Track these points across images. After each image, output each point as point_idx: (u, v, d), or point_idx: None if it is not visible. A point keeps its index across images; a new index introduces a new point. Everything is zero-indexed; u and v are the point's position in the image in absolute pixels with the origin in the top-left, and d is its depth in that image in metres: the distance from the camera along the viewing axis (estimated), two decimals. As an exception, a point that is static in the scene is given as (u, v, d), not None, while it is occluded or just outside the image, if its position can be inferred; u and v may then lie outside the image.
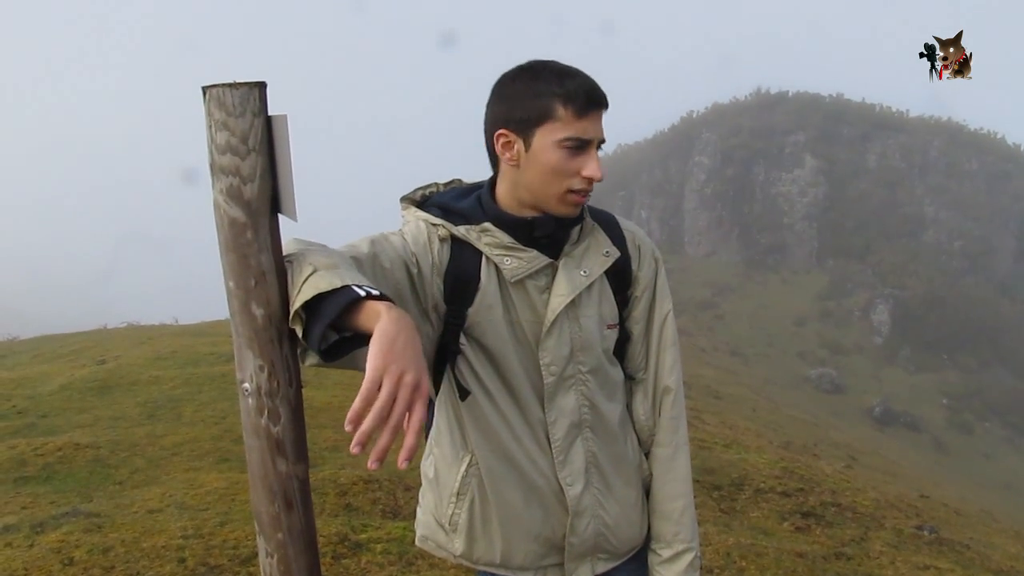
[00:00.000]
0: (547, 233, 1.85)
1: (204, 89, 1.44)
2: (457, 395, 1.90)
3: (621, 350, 2.03)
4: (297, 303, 1.43)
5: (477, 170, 2.00)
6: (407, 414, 1.31)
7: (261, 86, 1.45)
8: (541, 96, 1.75)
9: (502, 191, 1.87)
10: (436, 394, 1.98)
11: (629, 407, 2.07)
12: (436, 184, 2.00)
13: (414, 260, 1.80)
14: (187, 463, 6.44)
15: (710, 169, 55.35)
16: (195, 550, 4.50)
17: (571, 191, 1.80)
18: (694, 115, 62.47)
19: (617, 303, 1.98)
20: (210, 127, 1.45)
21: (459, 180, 2.02)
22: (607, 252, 1.93)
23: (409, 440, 1.30)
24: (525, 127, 1.77)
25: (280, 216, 1.52)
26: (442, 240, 1.85)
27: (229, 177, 1.45)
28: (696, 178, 55.46)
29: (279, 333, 1.50)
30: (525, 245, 1.85)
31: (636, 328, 2.03)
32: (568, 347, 1.90)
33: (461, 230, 1.85)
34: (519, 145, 1.79)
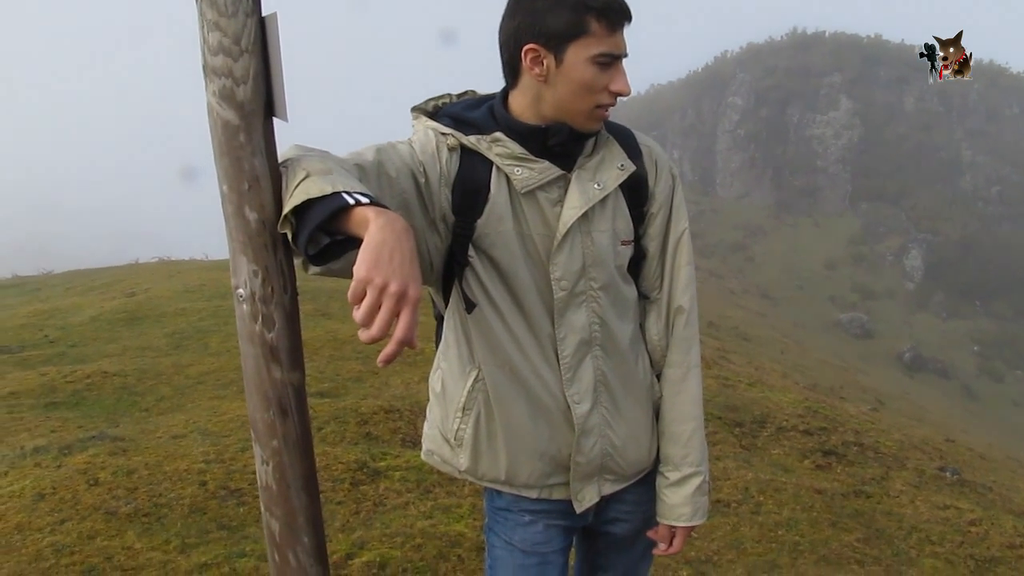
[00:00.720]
0: (561, 141, 1.81)
1: (198, -17, 1.41)
2: (464, 308, 1.88)
3: (636, 268, 2.00)
4: (287, 207, 1.41)
5: None
6: (393, 320, 1.29)
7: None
8: (575, 9, 1.70)
9: (519, 103, 1.82)
10: (445, 306, 1.96)
11: (642, 327, 2.04)
12: (449, 95, 1.96)
13: (421, 169, 1.76)
14: (211, 391, 6.53)
15: (744, 110, 54.67)
16: (216, 474, 4.58)
17: (599, 106, 1.77)
18: (728, 55, 61.55)
19: (632, 219, 1.94)
20: (202, 27, 1.42)
21: (472, 91, 1.98)
22: (622, 165, 1.88)
23: (388, 348, 1.28)
24: (557, 42, 1.73)
25: (275, 121, 1.50)
26: (451, 149, 1.81)
27: (222, 79, 1.42)
28: (729, 119, 54.83)
29: (273, 239, 1.48)
30: (537, 156, 1.81)
31: (651, 246, 1.99)
32: (580, 262, 1.86)
33: (471, 139, 1.81)
34: (549, 60, 1.74)
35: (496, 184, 1.81)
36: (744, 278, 40.30)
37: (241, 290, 1.51)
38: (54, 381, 6.67)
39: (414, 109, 1.91)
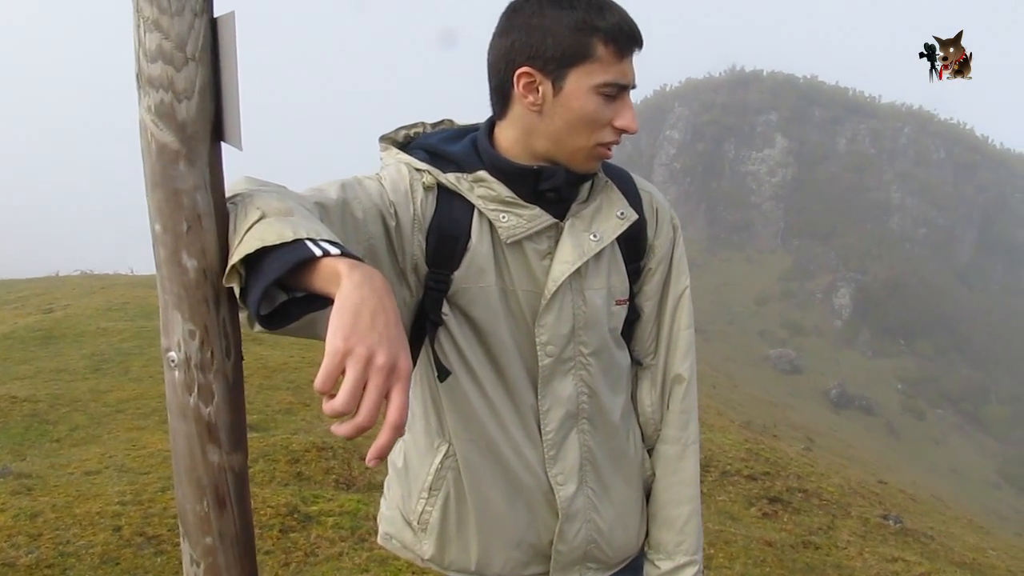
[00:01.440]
0: (554, 186, 1.56)
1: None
2: (436, 374, 1.61)
3: (629, 330, 1.76)
4: (236, 256, 1.12)
5: None
6: (383, 402, 1.01)
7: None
8: (580, 30, 1.46)
9: (507, 137, 1.57)
10: (438, 362, 1.69)
11: (634, 396, 1.81)
12: (423, 123, 1.70)
13: (392, 211, 1.50)
14: (131, 421, 6.10)
15: (680, 143, 55.51)
16: (132, 518, 4.18)
17: (600, 144, 1.53)
18: (667, 89, 62.50)
19: (628, 275, 1.70)
20: (138, 27, 1.13)
21: (450, 120, 1.72)
22: (622, 213, 1.63)
23: (382, 438, 1.00)
24: (556, 66, 1.47)
25: (224, 146, 1.21)
26: (427, 189, 1.54)
27: (160, 92, 1.13)
28: (666, 152, 55.63)
29: (216, 292, 1.19)
30: (527, 200, 1.56)
31: (647, 305, 1.75)
32: (570, 324, 1.62)
33: (450, 178, 1.55)
34: (545, 87, 1.49)
35: (478, 231, 1.56)
36: (677, 310, 40.59)
37: (173, 353, 1.21)
38: (-44, 406, 6.16)
39: (383, 139, 1.65)
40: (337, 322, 1.02)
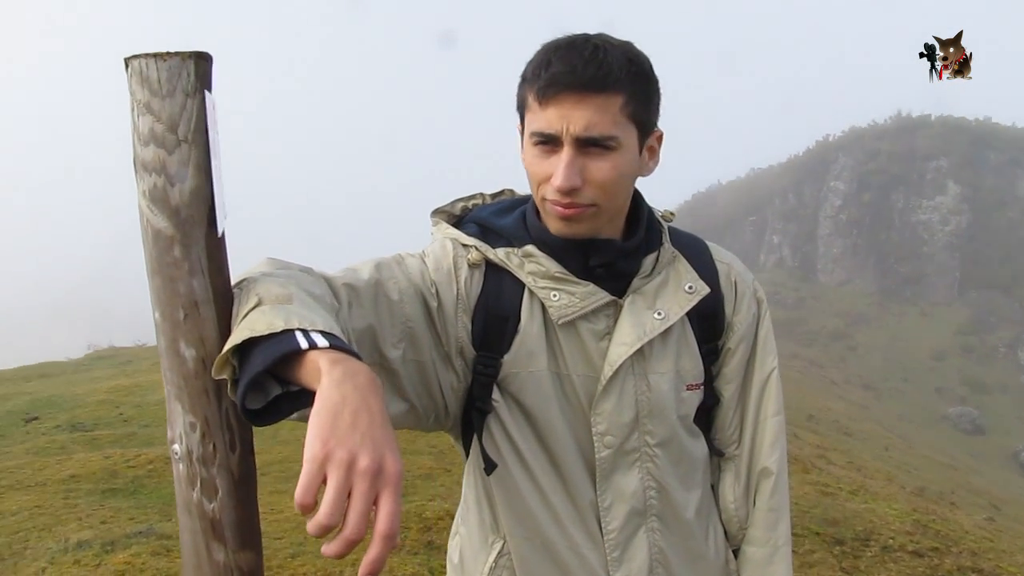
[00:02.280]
0: (605, 262, 1.43)
1: (127, 61, 1.10)
2: (484, 467, 1.50)
3: (707, 417, 1.59)
4: (226, 346, 1.06)
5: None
6: (372, 509, 0.91)
7: (198, 57, 1.10)
8: (523, 78, 1.37)
9: None
10: (467, 457, 1.59)
11: (715, 490, 1.63)
12: (481, 195, 1.61)
13: (433, 291, 1.41)
14: (273, 485, 6.22)
15: (846, 194, 53.77)
16: (259, 584, 4.23)
17: (546, 199, 1.39)
18: (830, 138, 60.87)
19: (702, 356, 1.53)
20: (132, 110, 1.10)
21: (510, 190, 1.63)
22: (690, 287, 1.48)
23: (372, 552, 0.88)
24: (519, 118, 1.41)
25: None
26: (472, 266, 1.45)
27: (153, 176, 1.09)
28: (831, 203, 53.96)
29: (216, 382, 1.13)
30: (580, 276, 1.43)
31: (728, 390, 1.58)
32: (632, 412, 1.46)
33: (500, 253, 1.45)
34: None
35: (528, 311, 1.45)
36: (846, 368, 38.85)
37: (176, 446, 1.16)
38: (116, 465, 6.48)
39: (435, 212, 1.56)
40: (315, 425, 0.93)
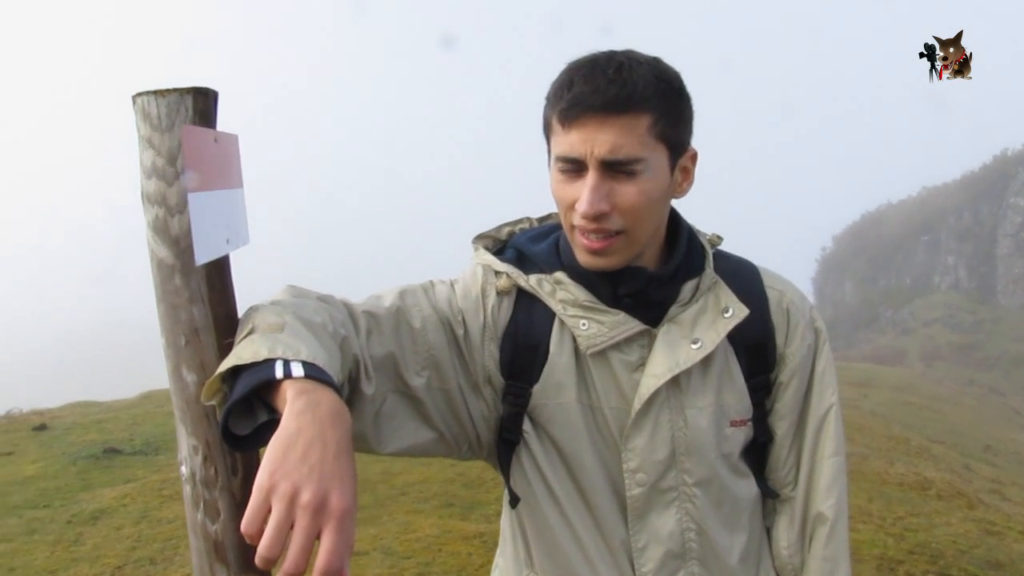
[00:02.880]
0: (633, 291, 1.37)
1: (133, 98, 1.16)
2: (509, 500, 1.47)
3: (760, 455, 1.50)
4: (215, 374, 1.09)
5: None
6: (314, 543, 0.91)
7: (196, 93, 1.14)
8: (547, 99, 1.32)
9: None
10: (510, 487, 1.54)
11: (769, 534, 1.53)
12: (528, 219, 1.57)
13: (460, 319, 1.39)
14: (411, 504, 6.35)
15: (1029, 212, 50.19)
16: (382, 602, 4.31)
17: (572, 227, 1.33)
18: (1008, 153, 56.79)
19: (750, 390, 1.44)
20: (139, 144, 1.16)
21: (558, 214, 1.60)
22: (727, 311, 1.39)
23: None
24: (546, 139, 1.36)
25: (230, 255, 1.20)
26: (501, 293, 1.42)
27: (155, 207, 1.14)
28: (1011, 221, 50.64)
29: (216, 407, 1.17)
30: (610, 304, 1.37)
31: (781, 427, 1.48)
32: (666, 449, 1.39)
33: (532, 281, 1.40)
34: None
35: (558, 340, 1.40)
36: (1033, 398, 36.05)
37: (183, 468, 1.20)
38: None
39: (479, 237, 1.53)
40: (267, 455, 0.94)
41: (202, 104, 1.15)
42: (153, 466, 7.71)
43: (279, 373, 1.03)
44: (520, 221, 1.57)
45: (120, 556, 5.15)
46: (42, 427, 10.00)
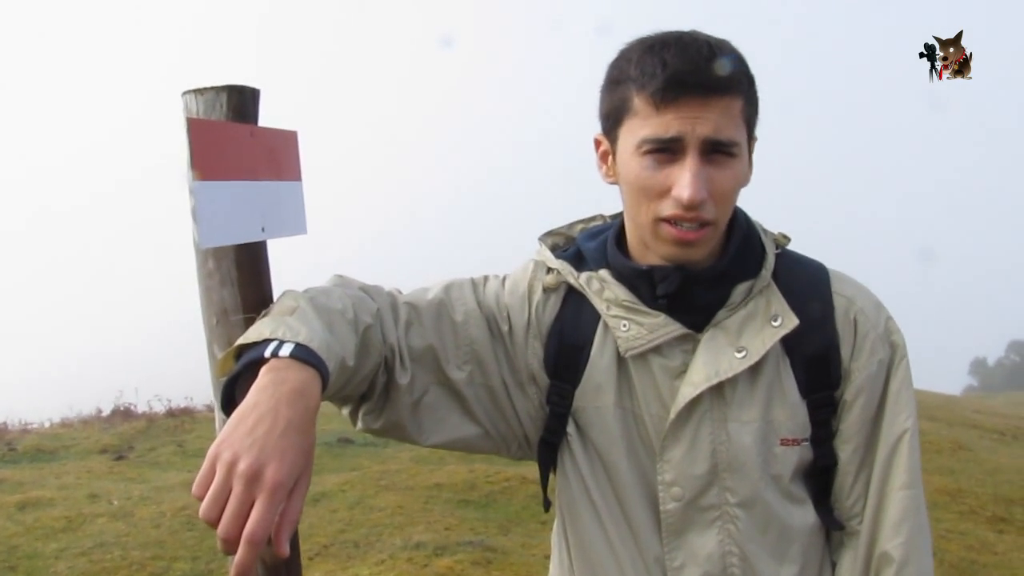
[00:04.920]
0: (670, 291, 1.29)
1: (182, 96, 1.26)
2: (543, 503, 1.45)
3: (824, 481, 1.37)
4: (227, 350, 1.16)
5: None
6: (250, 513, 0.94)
7: (231, 90, 1.23)
8: (620, 80, 1.24)
9: (627, 226, 1.37)
10: (545, 490, 1.52)
11: (835, 570, 1.40)
12: (601, 216, 1.50)
13: (505, 315, 1.38)
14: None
15: None
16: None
17: (659, 219, 1.23)
18: None
19: (810, 407, 1.32)
20: (184, 138, 1.26)
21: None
22: (776, 319, 1.29)
23: (237, 555, 0.93)
24: (610, 126, 1.28)
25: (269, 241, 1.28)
26: (548, 290, 1.39)
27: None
28: None
29: (245, 384, 1.25)
30: (652, 305, 1.31)
31: (845, 450, 1.35)
32: (706, 464, 1.30)
33: (582, 278, 1.36)
34: (610, 152, 1.30)
35: (600, 341, 1.36)
36: None
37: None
38: (476, 479, 6.98)
39: (546, 235, 1.48)
40: (225, 426, 1.00)
41: (237, 100, 1.24)
42: (379, 457, 8.17)
43: (268, 352, 1.09)
44: (593, 218, 1.51)
45: (329, 536, 5.51)
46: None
